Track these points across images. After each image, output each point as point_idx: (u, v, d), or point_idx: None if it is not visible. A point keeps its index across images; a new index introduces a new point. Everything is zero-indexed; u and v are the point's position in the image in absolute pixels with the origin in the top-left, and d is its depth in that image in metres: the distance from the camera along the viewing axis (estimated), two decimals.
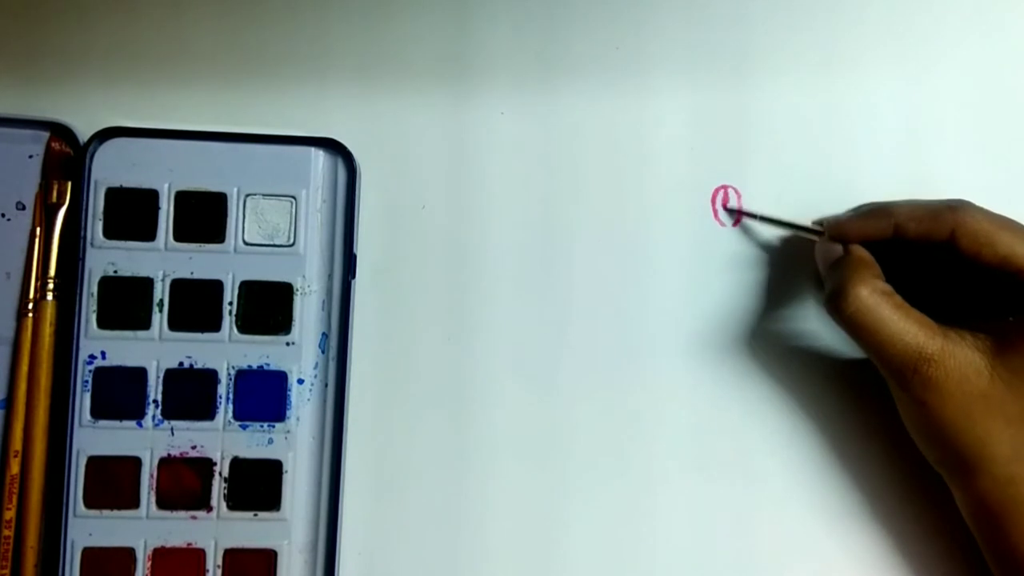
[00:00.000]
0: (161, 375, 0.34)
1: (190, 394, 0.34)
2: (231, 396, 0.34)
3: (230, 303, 0.34)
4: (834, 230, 0.34)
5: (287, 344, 0.34)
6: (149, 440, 0.33)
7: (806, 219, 0.36)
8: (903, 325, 0.31)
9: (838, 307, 0.31)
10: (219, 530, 0.33)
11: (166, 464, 0.33)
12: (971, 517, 0.32)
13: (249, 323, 0.34)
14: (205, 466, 0.33)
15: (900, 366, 0.31)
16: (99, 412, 0.33)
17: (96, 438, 0.33)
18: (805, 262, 0.36)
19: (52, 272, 0.34)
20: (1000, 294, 0.32)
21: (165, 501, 0.33)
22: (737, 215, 0.36)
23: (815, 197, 0.37)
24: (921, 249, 0.32)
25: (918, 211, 0.32)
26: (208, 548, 0.33)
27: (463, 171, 0.36)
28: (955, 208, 0.32)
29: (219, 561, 0.33)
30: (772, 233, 0.36)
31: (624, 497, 0.35)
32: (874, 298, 0.31)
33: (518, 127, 0.37)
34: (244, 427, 0.34)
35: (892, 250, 0.33)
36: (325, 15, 0.37)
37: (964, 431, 0.31)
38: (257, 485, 0.33)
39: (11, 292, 0.34)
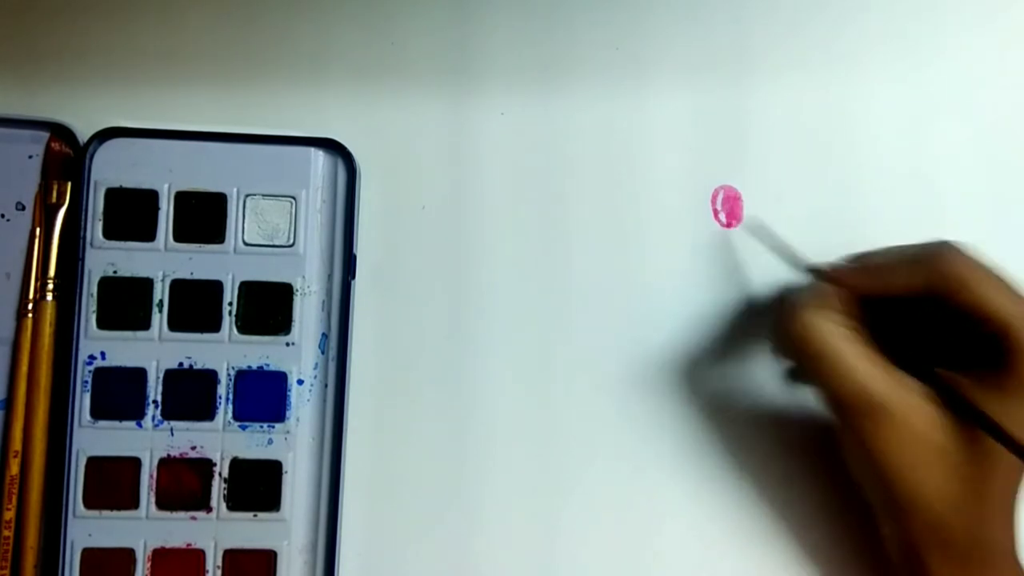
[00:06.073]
0: (161, 375, 0.33)
1: (190, 394, 0.34)
2: (231, 396, 0.34)
3: (230, 303, 0.34)
4: (819, 276, 0.32)
5: (287, 344, 0.34)
6: (149, 440, 0.33)
7: (809, 230, 0.35)
8: (854, 363, 0.29)
9: (786, 328, 0.30)
10: (219, 531, 0.33)
11: (166, 464, 0.33)
12: (896, 553, 0.31)
13: (249, 323, 0.34)
14: (205, 467, 0.33)
15: (845, 402, 0.30)
16: (99, 412, 0.33)
17: (96, 438, 0.33)
18: None
19: (52, 272, 0.34)
20: (975, 342, 0.30)
21: (165, 502, 0.33)
22: (737, 222, 0.36)
23: (814, 197, 0.37)
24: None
25: (899, 269, 0.31)
26: (208, 549, 0.33)
27: (463, 171, 0.36)
28: (935, 258, 0.30)
29: (219, 562, 0.33)
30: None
31: (624, 497, 0.35)
32: (827, 326, 0.30)
33: (518, 127, 0.37)
34: (244, 428, 0.34)
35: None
36: (325, 15, 0.37)
37: (902, 476, 0.30)
38: (257, 486, 0.33)
39: (11, 292, 0.34)
